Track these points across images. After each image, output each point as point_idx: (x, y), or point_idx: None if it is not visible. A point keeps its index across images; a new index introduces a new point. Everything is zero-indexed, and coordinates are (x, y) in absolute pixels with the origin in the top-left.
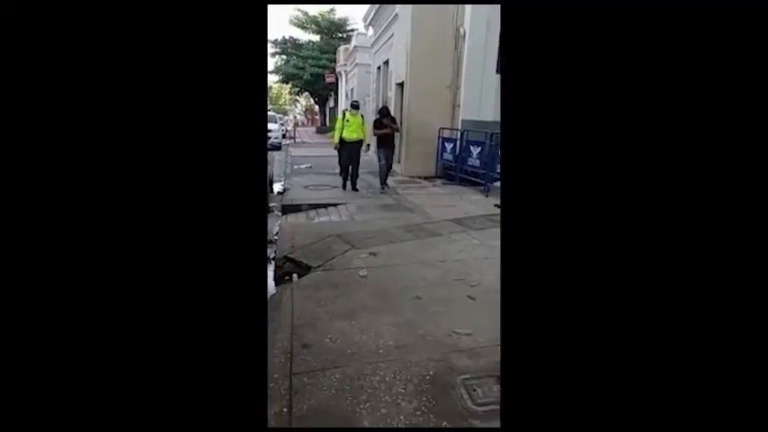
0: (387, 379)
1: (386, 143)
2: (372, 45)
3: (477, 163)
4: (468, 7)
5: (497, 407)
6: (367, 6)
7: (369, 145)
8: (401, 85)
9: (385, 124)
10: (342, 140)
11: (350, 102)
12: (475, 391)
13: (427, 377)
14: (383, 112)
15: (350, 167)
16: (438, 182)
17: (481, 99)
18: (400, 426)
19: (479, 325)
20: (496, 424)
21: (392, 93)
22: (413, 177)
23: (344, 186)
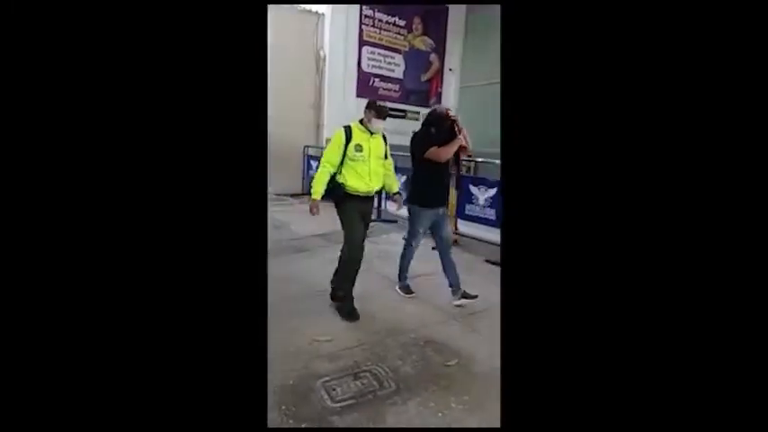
0: None
1: (438, 188)
2: None
3: None
4: (327, 31)
5: (354, 401)
6: None
7: (398, 195)
8: None
9: (446, 138)
10: (344, 194)
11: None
12: (334, 390)
13: (287, 386)
14: (436, 117)
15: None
16: (305, 199)
17: (343, 119)
18: None
19: (340, 331)
20: (355, 417)
21: None
22: (279, 195)
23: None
